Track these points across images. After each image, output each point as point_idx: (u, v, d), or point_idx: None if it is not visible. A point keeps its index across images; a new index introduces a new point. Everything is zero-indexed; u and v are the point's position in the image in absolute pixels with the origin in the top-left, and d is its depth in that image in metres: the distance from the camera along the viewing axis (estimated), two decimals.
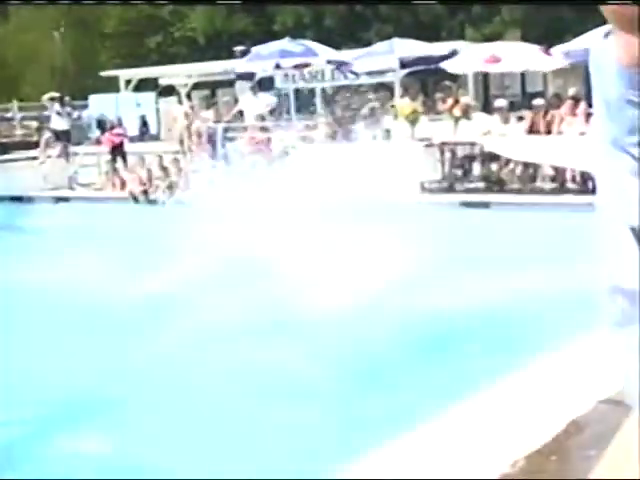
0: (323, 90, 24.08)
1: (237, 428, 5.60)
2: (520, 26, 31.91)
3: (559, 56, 15.82)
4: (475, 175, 15.90)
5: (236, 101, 22.26)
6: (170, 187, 17.31)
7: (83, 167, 20.39)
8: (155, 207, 17.08)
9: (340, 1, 34.59)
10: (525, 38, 24.35)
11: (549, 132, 15.19)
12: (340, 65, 18.48)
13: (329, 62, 18.01)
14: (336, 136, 17.03)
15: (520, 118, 15.69)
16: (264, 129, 19.01)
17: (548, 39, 21.56)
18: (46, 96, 21.47)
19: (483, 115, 16.49)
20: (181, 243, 12.20)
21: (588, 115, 15.17)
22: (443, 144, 15.79)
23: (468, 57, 16.73)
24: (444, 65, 16.56)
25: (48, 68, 38.90)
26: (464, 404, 4.30)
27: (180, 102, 22.16)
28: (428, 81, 24.05)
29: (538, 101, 16.29)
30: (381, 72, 18.57)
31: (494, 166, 15.53)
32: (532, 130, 15.40)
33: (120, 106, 27.68)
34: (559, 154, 14.48)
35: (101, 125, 26.59)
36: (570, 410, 3.90)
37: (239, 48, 25.58)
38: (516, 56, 16.24)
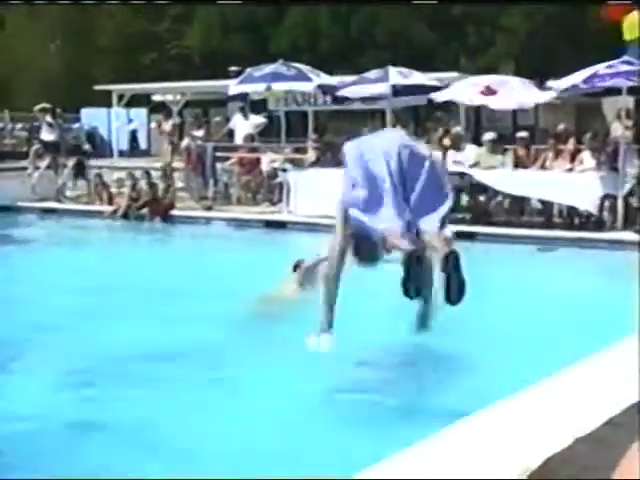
0: (315, 114, 24.11)
1: None
2: (514, 59, 32.12)
3: (552, 91, 15.86)
4: (462, 206, 15.87)
5: (227, 120, 22.26)
6: (157, 202, 17.27)
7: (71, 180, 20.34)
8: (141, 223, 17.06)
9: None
10: (518, 71, 24.51)
11: (535, 166, 15.32)
12: (332, 91, 18.45)
13: (320, 87, 17.99)
14: (325, 160, 17.02)
15: (505, 150, 15.79)
16: (253, 150, 19.02)
17: (541, 73, 21.72)
18: (37, 107, 21.37)
19: (473, 147, 16.50)
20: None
21: (577, 151, 15.22)
22: None
23: (462, 88, 16.68)
24: (437, 95, 16.55)
25: (42, 79, 38.82)
26: (441, 435, 4.26)
27: (170, 118, 22.15)
28: (420, 109, 24.12)
29: (522, 134, 16.32)
30: (374, 99, 18.54)
31: (482, 198, 15.53)
32: (517, 163, 15.46)
33: (112, 121, 27.69)
34: (546, 188, 14.53)
35: (91, 138, 26.57)
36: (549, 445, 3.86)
37: (233, 68, 25.65)
38: (510, 89, 16.19)
